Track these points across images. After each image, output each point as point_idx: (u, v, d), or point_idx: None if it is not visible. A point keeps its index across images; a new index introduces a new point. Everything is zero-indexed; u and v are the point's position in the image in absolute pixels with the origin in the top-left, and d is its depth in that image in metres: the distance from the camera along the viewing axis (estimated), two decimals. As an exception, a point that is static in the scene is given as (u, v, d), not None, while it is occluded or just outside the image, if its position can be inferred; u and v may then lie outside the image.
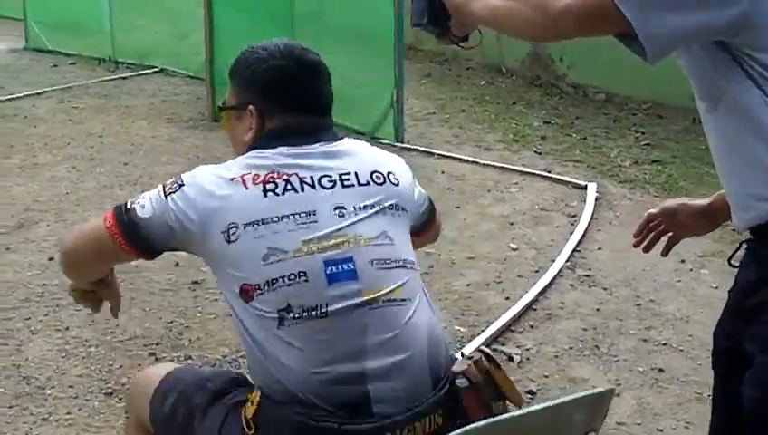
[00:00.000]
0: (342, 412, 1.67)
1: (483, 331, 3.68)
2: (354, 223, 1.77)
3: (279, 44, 1.91)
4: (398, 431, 1.68)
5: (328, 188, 1.78)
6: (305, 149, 1.83)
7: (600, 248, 4.57)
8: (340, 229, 1.75)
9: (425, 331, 1.77)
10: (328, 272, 1.72)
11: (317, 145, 1.84)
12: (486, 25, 1.78)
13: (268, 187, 1.75)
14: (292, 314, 1.69)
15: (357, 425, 1.66)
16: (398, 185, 1.88)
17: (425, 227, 2.06)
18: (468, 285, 4.16)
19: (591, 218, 4.91)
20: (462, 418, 1.71)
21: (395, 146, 6.13)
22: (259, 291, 1.70)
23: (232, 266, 1.73)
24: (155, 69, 8.61)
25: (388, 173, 1.88)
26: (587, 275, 4.26)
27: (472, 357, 1.80)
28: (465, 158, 6.01)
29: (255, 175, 1.77)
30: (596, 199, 5.18)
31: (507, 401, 1.79)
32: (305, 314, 1.69)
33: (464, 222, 4.92)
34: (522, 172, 5.73)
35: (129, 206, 1.81)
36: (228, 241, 1.72)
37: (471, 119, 7.13)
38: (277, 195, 1.75)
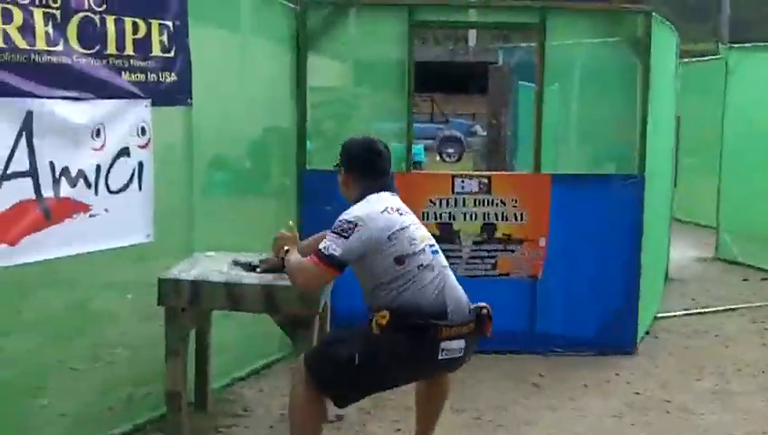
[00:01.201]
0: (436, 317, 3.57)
1: None
2: (423, 231, 3.77)
3: (366, 138, 3.96)
4: (457, 328, 3.58)
5: (408, 215, 3.76)
6: (393, 194, 3.80)
7: None
8: (423, 233, 3.76)
9: (458, 284, 3.77)
10: (431, 251, 3.70)
11: (393, 193, 3.83)
12: None
13: (396, 211, 3.69)
14: (419, 270, 3.62)
15: (442, 320, 3.56)
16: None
17: None
18: None
19: None
20: (480, 328, 3.67)
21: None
22: (408, 259, 3.60)
23: (393, 250, 3.60)
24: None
25: (412, 211, 3.85)
26: None
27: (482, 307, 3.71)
28: None
29: (386, 208, 3.67)
30: None
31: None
32: (425, 269, 3.62)
33: None
34: None
35: (339, 257, 3.59)
36: (390, 240, 3.60)
37: None
38: (400, 215, 3.70)
